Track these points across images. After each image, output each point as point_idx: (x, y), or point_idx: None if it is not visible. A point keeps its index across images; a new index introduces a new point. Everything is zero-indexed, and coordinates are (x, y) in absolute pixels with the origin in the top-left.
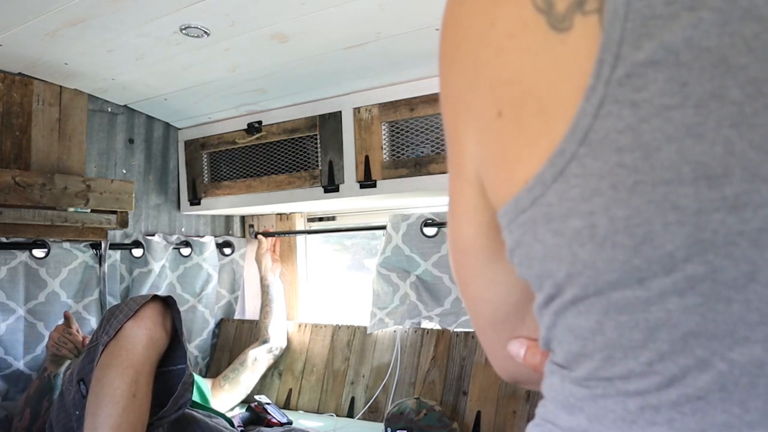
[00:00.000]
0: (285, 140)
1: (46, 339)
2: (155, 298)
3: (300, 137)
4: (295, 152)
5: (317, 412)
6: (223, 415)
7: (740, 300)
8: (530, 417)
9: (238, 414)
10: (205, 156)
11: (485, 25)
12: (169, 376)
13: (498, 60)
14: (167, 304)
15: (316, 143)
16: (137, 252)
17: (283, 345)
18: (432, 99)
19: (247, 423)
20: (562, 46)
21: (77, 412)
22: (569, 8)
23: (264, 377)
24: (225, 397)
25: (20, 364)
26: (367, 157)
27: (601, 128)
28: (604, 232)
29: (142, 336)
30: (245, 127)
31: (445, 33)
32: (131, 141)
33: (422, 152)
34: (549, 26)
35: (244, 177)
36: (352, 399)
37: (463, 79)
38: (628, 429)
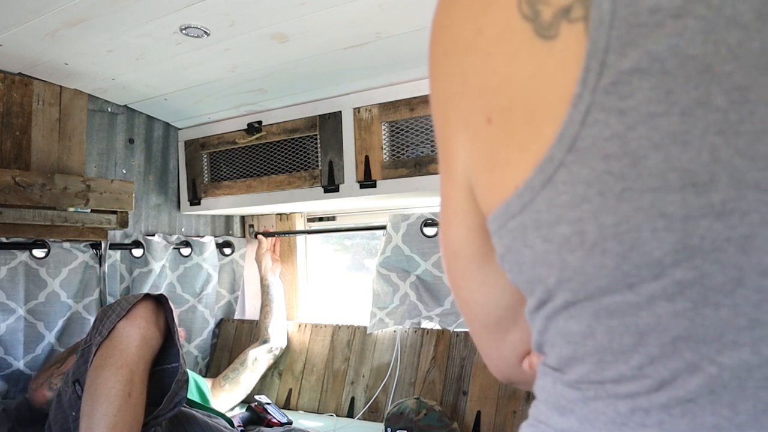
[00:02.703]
0: (285, 140)
1: (46, 339)
2: (147, 296)
3: (300, 137)
4: (295, 152)
5: (317, 412)
6: (223, 415)
7: (728, 305)
8: None
9: (238, 414)
10: (205, 156)
11: (473, 31)
12: (163, 374)
13: (486, 66)
14: (159, 302)
15: (316, 143)
16: (137, 252)
17: (283, 345)
18: None
19: (247, 423)
20: (549, 54)
21: (74, 413)
22: (555, 16)
23: (264, 377)
24: (225, 397)
25: (20, 364)
26: (367, 157)
27: (588, 136)
28: (593, 238)
29: (135, 335)
30: (245, 127)
31: (434, 39)
32: (131, 141)
33: (422, 152)
34: (535, 34)
35: (244, 177)
36: (352, 399)
37: (452, 84)
38: (619, 431)
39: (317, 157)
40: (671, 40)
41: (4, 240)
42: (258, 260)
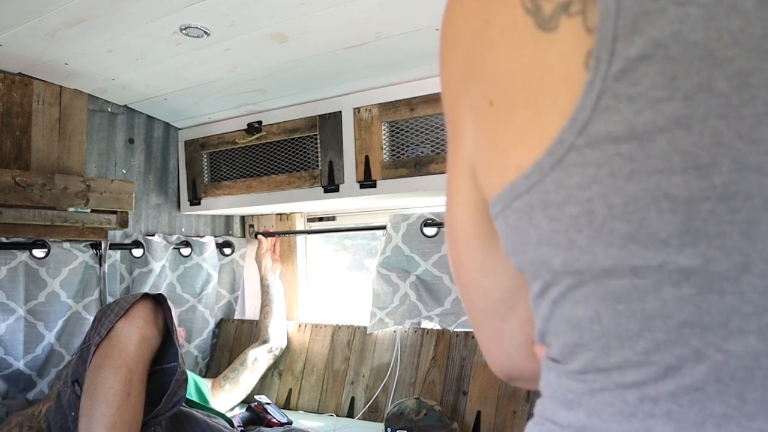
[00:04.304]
0: (285, 140)
1: (46, 339)
2: (146, 296)
3: (300, 137)
4: (295, 152)
5: (317, 412)
6: (223, 415)
7: (734, 291)
8: (530, 417)
9: (238, 414)
10: (205, 156)
11: (480, 21)
12: (162, 374)
13: (490, 53)
14: (158, 302)
15: (316, 143)
16: (137, 252)
17: (283, 345)
18: (432, 99)
19: (247, 423)
20: (549, 45)
21: (73, 413)
22: (555, 10)
23: (264, 377)
24: (225, 397)
25: (20, 364)
26: (367, 157)
27: (600, 120)
28: (602, 217)
29: (133, 335)
30: (245, 127)
31: (445, 28)
32: (131, 141)
33: (422, 152)
34: (537, 26)
35: (244, 177)
36: (352, 399)
37: (460, 70)
38: (627, 422)
39: (317, 157)
40: (674, 27)
41: (4, 240)
42: (258, 260)
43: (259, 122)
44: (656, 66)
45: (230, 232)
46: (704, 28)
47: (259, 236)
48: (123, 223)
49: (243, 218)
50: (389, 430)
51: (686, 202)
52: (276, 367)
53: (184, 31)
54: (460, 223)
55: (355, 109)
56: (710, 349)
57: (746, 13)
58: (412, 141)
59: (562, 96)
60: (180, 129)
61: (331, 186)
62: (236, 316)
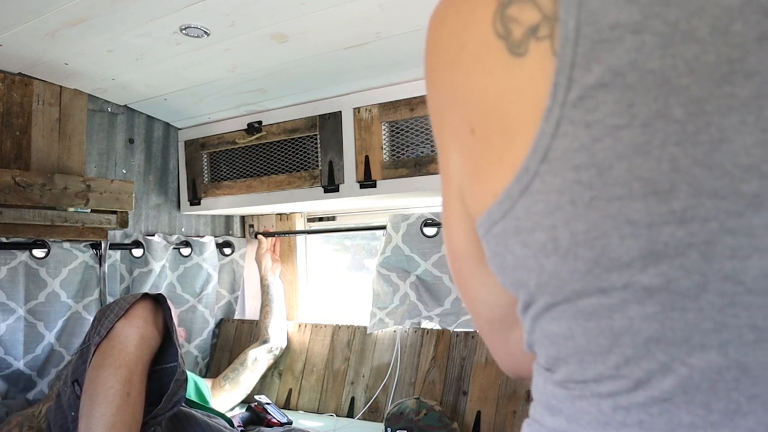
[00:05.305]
0: (285, 140)
1: (46, 339)
2: (146, 296)
3: (300, 137)
4: (295, 152)
5: (317, 412)
6: (222, 415)
7: (694, 308)
8: None
9: (238, 414)
10: (205, 156)
11: (456, 48)
12: (162, 374)
13: (467, 81)
14: (158, 302)
15: (316, 143)
16: (137, 252)
17: (283, 345)
18: None
19: (247, 423)
20: (520, 70)
21: (73, 413)
22: (525, 34)
23: (264, 377)
24: (225, 397)
25: (20, 364)
26: (367, 157)
27: (559, 147)
28: (566, 244)
29: (133, 335)
30: (245, 127)
31: (427, 54)
32: (131, 141)
33: (422, 152)
34: (508, 51)
35: (244, 177)
36: (352, 399)
37: (442, 97)
38: (603, 430)
39: (317, 157)
40: (631, 55)
41: (4, 240)
42: (258, 260)
43: (259, 122)
44: (614, 94)
45: (230, 232)
46: (660, 56)
47: (259, 236)
48: (123, 223)
49: (243, 218)
50: (389, 430)
51: (647, 227)
52: (276, 367)
53: (184, 31)
54: (458, 245)
55: (355, 109)
56: (675, 363)
57: (701, 41)
58: (412, 141)
59: (532, 122)
60: (180, 129)
61: (331, 186)
62: (236, 316)
